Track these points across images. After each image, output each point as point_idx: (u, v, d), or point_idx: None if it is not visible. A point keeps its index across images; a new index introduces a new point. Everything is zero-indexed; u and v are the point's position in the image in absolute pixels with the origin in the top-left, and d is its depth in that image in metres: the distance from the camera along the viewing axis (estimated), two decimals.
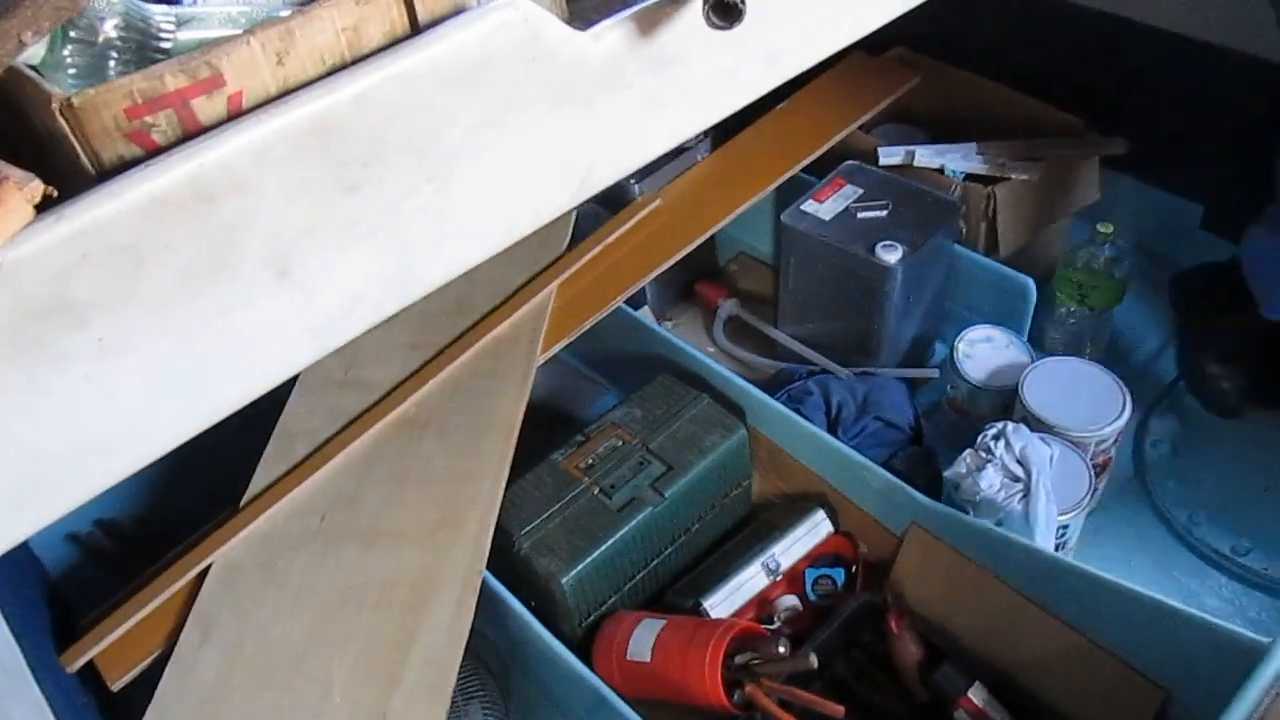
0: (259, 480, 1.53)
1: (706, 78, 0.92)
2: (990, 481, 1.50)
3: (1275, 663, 1.11)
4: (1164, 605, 1.28)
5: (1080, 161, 1.96)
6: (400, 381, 1.65)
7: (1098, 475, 1.64)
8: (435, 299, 1.40)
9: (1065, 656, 1.39)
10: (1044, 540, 1.45)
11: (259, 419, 1.54)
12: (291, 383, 1.68)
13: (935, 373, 1.79)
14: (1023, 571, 1.41)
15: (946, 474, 1.55)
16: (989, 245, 1.91)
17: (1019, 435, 1.53)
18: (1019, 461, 1.50)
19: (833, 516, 1.62)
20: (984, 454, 1.53)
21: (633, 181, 1.88)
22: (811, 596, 1.59)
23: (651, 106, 0.88)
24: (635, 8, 0.84)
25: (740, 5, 0.78)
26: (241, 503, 1.50)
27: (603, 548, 1.47)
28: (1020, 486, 1.48)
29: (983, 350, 1.76)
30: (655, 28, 0.85)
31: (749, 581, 1.56)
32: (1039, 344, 1.96)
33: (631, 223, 1.85)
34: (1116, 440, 1.62)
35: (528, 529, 1.50)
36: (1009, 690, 1.43)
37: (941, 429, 1.83)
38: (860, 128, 2.00)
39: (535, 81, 0.79)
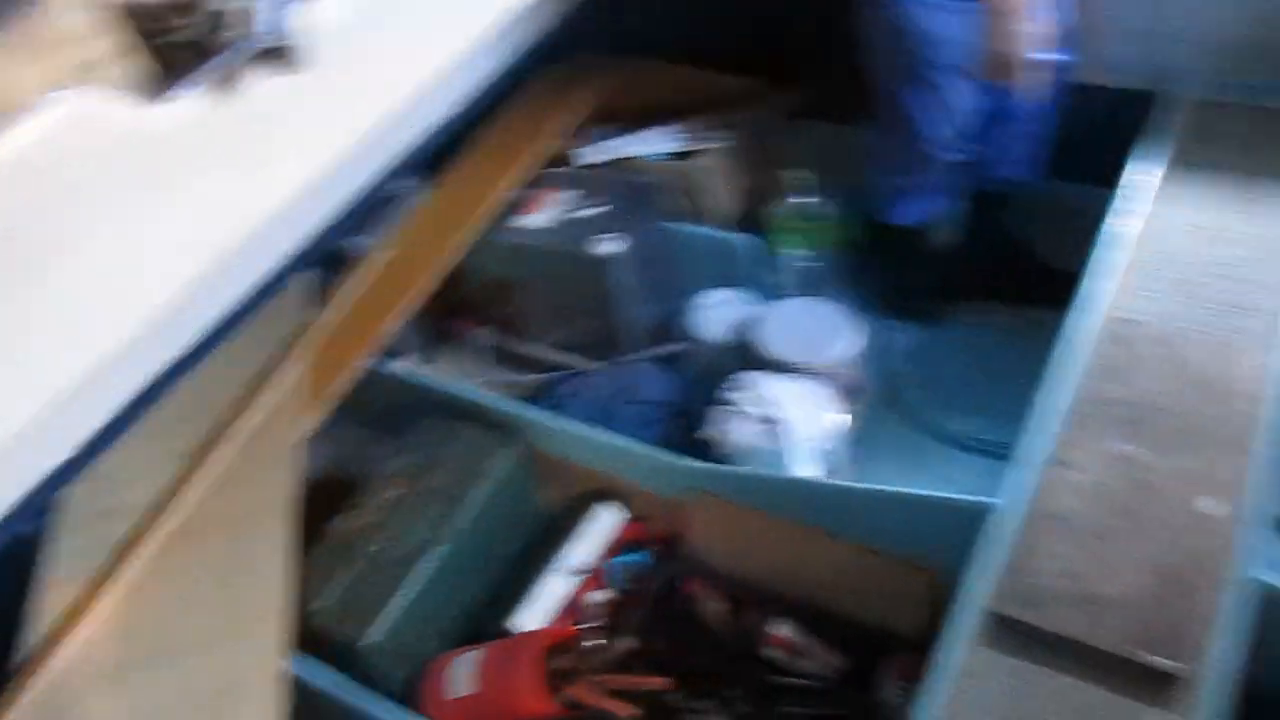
0: (34, 635, 1.47)
1: (299, 127, 0.95)
2: (740, 430, 1.59)
3: (1002, 516, 1.23)
4: (908, 495, 1.40)
5: (768, 119, 2.09)
6: (165, 496, 1.62)
7: (850, 398, 1.77)
8: (184, 399, 1.39)
9: (845, 568, 1.49)
10: (804, 468, 1.56)
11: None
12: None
13: (684, 345, 1.89)
14: (793, 502, 1.51)
15: (699, 434, 1.64)
16: (705, 215, 2.02)
17: (760, 381, 1.63)
18: (765, 404, 1.60)
19: (623, 506, 1.69)
20: (729, 407, 1.62)
21: (357, 238, 1.90)
22: (619, 586, 1.65)
23: (251, 163, 0.91)
24: (208, 70, 0.86)
25: (287, 49, 0.82)
26: (16, 664, 1.44)
27: (399, 602, 1.49)
28: (772, 425, 1.58)
29: (719, 312, 1.86)
30: (235, 88, 0.87)
31: (553, 590, 1.60)
32: (781, 292, 2.09)
33: (363, 280, 1.87)
34: (859, 363, 1.74)
35: (320, 605, 1.50)
36: (810, 615, 1.52)
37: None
38: (569, 136, 2.08)
39: (117, 166, 0.80)
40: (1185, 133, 1.71)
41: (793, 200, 1.95)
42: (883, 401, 1.90)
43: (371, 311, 1.85)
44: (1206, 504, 1.21)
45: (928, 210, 1.85)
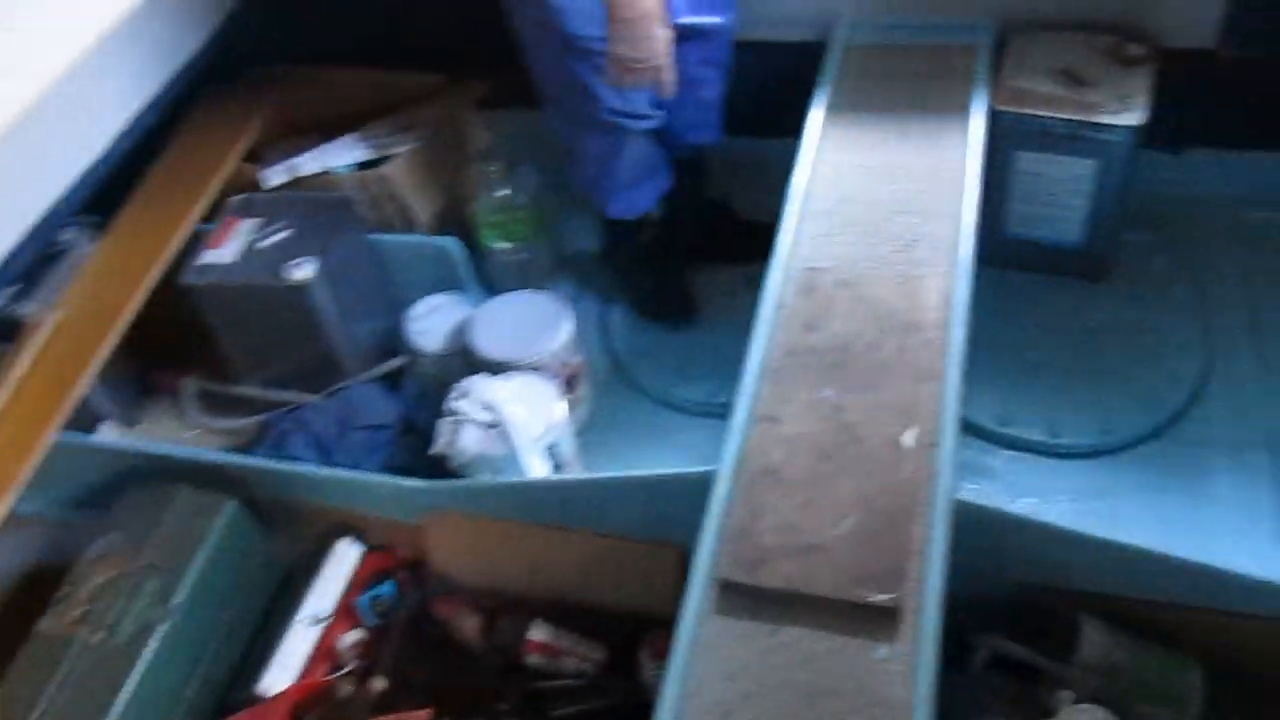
0: None
1: None
2: (468, 439, 1.54)
3: (720, 483, 1.24)
4: (636, 478, 1.39)
5: (458, 113, 2.04)
6: None
7: (574, 385, 1.75)
8: None
9: (593, 560, 1.48)
10: (534, 469, 1.53)
11: None
12: None
13: (402, 360, 1.81)
14: (530, 505, 1.48)
15: (431, 451, 1.58)
16: (407, 222, 1.95)
17: (479, 386, 1.59)
18: (487, 409, 1.56)
19: (363, 538, 1.61)
20: (454, 417, 1.57)
21: (19, 303, 1.72)
22: (371, 621, 1.57)
23: None
24: None
25: None
26: None
27: (126, 696, 1.36)
28: (498, 429, 1.54)
29: (432, 320, 1.80)
30: None
31: (300, 642, 1.51)
32: (499, 289, 2.05)
33: (36, 347, 1.70)
34: (576, 348, 1.72)
35: (35, 718, 1.35)
36: (567, 613, 1.50)
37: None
38: (248, 159, 1.96)
39: None
40: (848, 78, 1.79)
41: (489, 194, 1.91)
42: (615, 379, 1.90)
43: (51, 381, 1.68)
44: (907, 437, 1.26)
45: (650, 195, 1.84)
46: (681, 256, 1.99)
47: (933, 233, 1.51)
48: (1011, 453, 1.67)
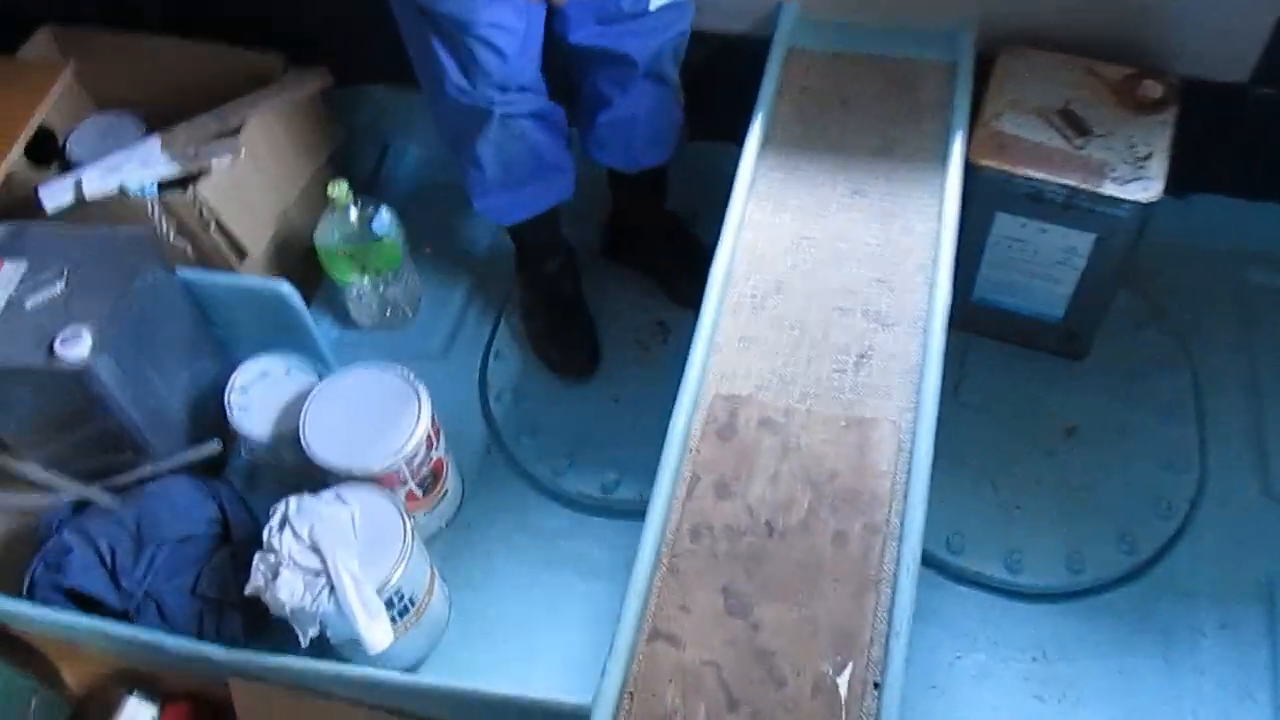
0: None
1: None
2: (290, 588, 1.21)
3: (605, 708, 0.93)
4: (495, 697, 1.07)
5: (301, 107, 1.62)
6: None
7: (436, 481, 1.41)
8: None
9: None
10: (370, 631, 1.20)
11: None
12: None
13: (216, 446, 1.44)
14: (364, 685, 1.15)
15: (246, 591, 1.24)
16: (237, 254, 1.55)
17: (303, 515, 1.24)
18: (314, 549, 1.22)
19: (157, 689, 1.28)
20: (273, 556, 1.23)
21: None
22: None
23: None
24: None
25: None
26: None
27: None
28: (324, 579, 1.21)
29: (260, 392, 1.44)
30: None
31: None
32: (358, 323, 1.68)
33: None
34: (433, 444, 1.37)
35: None
36: None
37: (274, 491, 1.50)
38: (32, 151, 1.53)
39: None
40: (788, 100, 1.42)
41: (333, 221, 1.52)
42: (494, 456, 1.56)
43: None
44: (841, 679, 0.96)
45: (533, 202, 1.48)
46: (580, 304, 1.64)
47: (890, 345, 1.17)
48: (964, 588, 1.38)
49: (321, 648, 1.26)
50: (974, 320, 1.52)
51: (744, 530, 1.04)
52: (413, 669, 1.37)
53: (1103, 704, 1.29)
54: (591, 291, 1.66)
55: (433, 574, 1.34)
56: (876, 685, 0.96)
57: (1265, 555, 1.37)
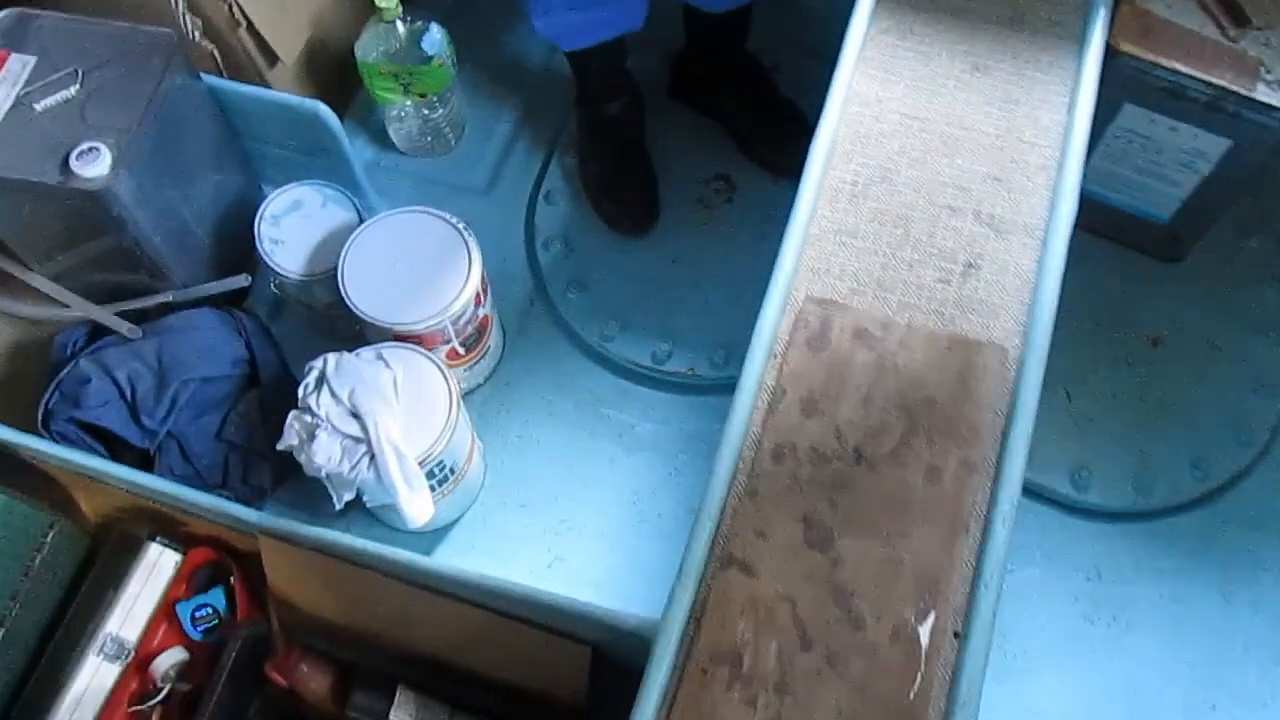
0: None
1: None
2: (326, 452, 1.13)
3: (657, 666, 0.88)
4: (548, 603, 1.02)
5: None
6: None
7: (479, 340, 1.32)
8: None
9: (487, 635, 1.13)
10: (410, 505, 1.14)
11: None
12: None
13: (244, 280, 1.33)
14: (404, 570, 1.10)
15: (280, 446, 1.17)
16: (268, 59, 1.39)
17: (343, 375, 1.15)
18: (354, 414, 1.14)
19: (181, 535, 1.23)
20: (309, 416, 1.15)
21: None
22: (197, 636, 1.23)
23: None
24: None
25: None
26: None
27: None
28: (364, 447, 1.13)
29: (294, 224, 1.32)
30: None
31: (97, 670, 1.17)
32: (397, 146, 1.54)
33: None
34: (481, 301, 1.27)
35: None
36: (443, 672, 1.17)
37: (301, 327, 1.41)
38: None
39: None
40: None
41: (377, 35, 1.36)
42: (538, 310, 1.46)
43: None
44: (923, 627, 0.90)
45: (597, 29, 1.32)
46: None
47: (1002, 256, 1.06)
48: (1025, 499, 1.32)
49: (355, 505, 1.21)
50: None
51: (831, 455, 0.96)
52: (446, 529, 1.33)
53: (1151, 631, 1.26)
54: (653, 136, 1.52)
55: (473, 440, 1.27)
56: (957, 635, 0.90)
57: None
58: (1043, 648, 1.26)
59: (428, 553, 1.31)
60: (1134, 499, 1.31)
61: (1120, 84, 1.20)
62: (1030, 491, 1.32)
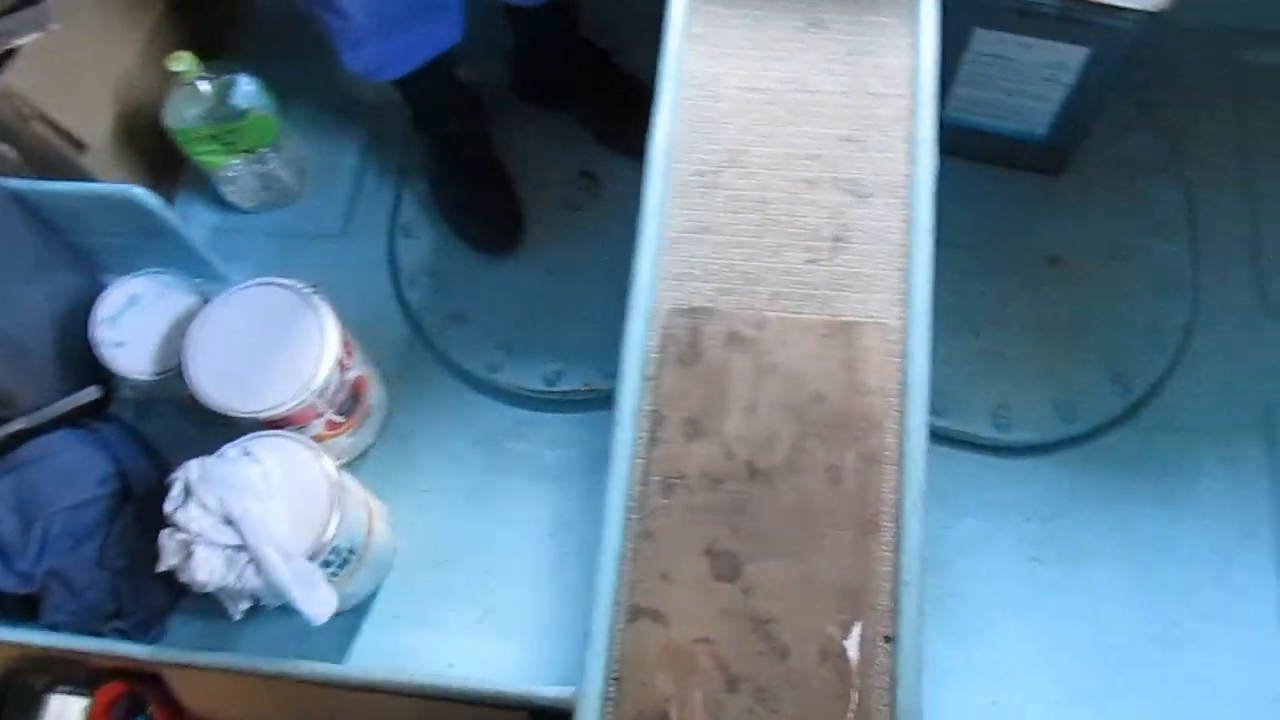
0: None
1: None
2: (207, 568, 1.06)
3: (590, 706, 0.83)
4: (459, 690, 0.96)
5: None
6: None
7: (356, 402, 1.24)
8: None
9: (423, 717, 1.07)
10: (309, 603, 1.06)
11: None
12: None
13: (95, 392, 1.24)
14: (312, 679, 1.03)
15: (159, 569, 1.09)
16: (74, 146, 1.29)
17: (208, 481, 1.07)
18: (228, 522, 1.06)
19: (82, 673, 1.15)
20: (181, 533, 1.07)
21: None
22: None
23: None
24: None
25: None
26: None
27: None
28: (246, 555, 1.06)
29: (133, 322, 1.23)
30: None
31: None
32: (239, 206, 1.45)
33: None
34: (341, 367, 1.19)
35: None
36: None
37: (175, 422, 1.33)
38: None
39: None
40: None
41: (184, 98, 1.26)
42: (419, 351, 1.38)
43: None
44: (850, 640, 0.85)
45: (417, 49, 1.23)
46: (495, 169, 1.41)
47: (869, 222, 0.99)
48: (949, 450, 1.28)
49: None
50: (945, 142, 1.33)
51: (723, 476, 0.90)
52: (367, 602, 1.26)
53: (1102, 559, 1.22)
54: (502, 143, 1.43)
55: (370, 509, 1.20)
56: (888, 639, 0.85)
57: (1263, 377, 1.29)
58: (995, 599, 1.22)
59: (351, 631, 1.25)
60: (1059, 428, 1.27)
61: (967, 10, 1.14)
62: (953, 440, 1.28)
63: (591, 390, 1.31)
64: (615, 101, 1.39)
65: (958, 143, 1.34)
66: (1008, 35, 1.15)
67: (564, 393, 1.32)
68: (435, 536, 1.29)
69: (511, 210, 1.39)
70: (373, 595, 1.26)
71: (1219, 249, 1.33)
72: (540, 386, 1.32)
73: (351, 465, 1.30)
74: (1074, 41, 1.13)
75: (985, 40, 1.17)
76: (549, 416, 1.33)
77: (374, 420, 1.31)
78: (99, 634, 1.15)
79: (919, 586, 0.86)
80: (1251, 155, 1.37)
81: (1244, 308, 1.31)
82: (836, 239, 0.99)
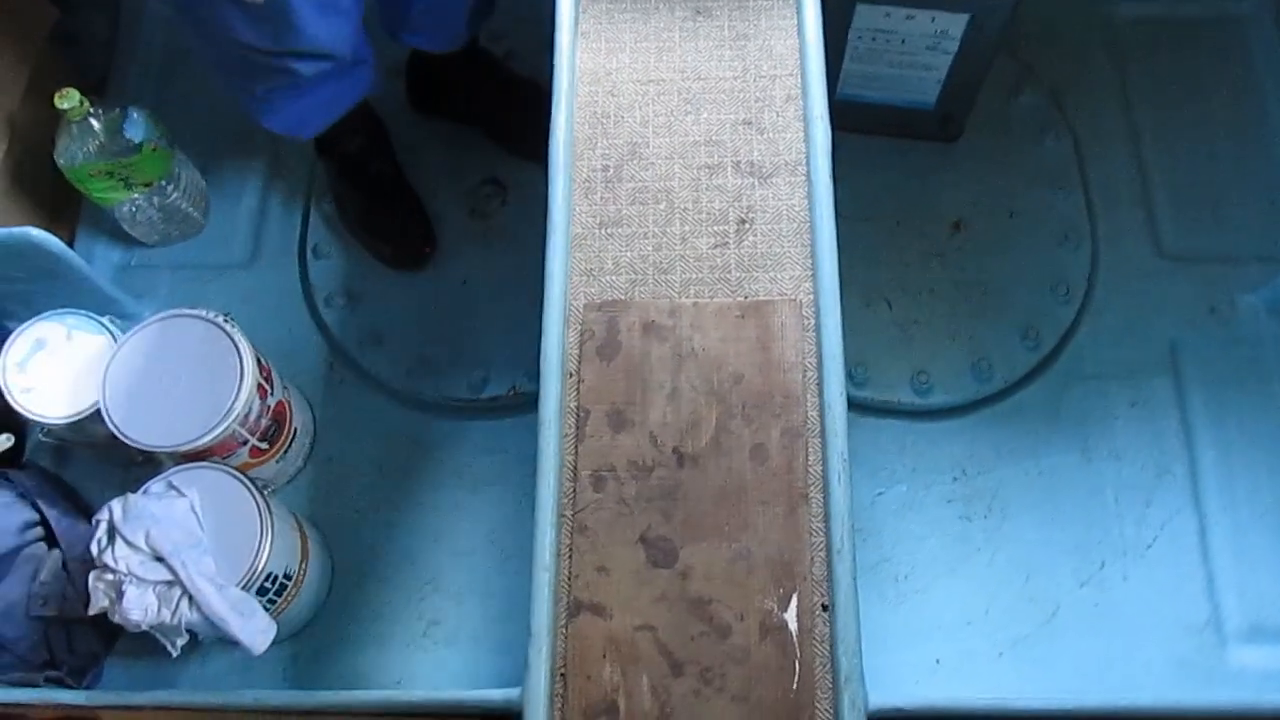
0: None
1: None
2: (140, 606, 1.04)
3: (537, 704, 0.83)
4: (405, 702, 0.95)
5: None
6: None
7: (281, 429, 1.23)
8: None
9: None
10: (246, 633, 1.05)
11: None
12: None
13: (5, 441, 1.21)
14: (257, 708, 1.02)
15: (90, 612, 1.07)
16: None
17: (133, 519, 1.05)
18: (157, 558, 1.04)
19: None
20: (110, 574, 1.05)
21: None
22: None
23: None
24: None
25: None
26: None
27: None
28: (179, 590, 1.04)
29: (42, 366, 1.20)
30: None
31: None
32: (143, 241, 1.42)
33: None
34: (262, 394, 1.18)
35: None
36: None
37: (93, 465, 1.30)
38: None
39: None
40: None
41: (74, 133, 1.23)
42: (342, 372, 1.37)
43: None
44: (789, 612, 0.87)
45: (335, 102, 1.22)
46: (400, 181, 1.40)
47: (773, 200, 1.01)
48: (873, 420, 1.31)
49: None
50: (842, 118, 1.36)
51: (651, 464, 0.91)
52: (312, 624, 1.25)
53: (1028, 510, 1.26)
54: (406, 158, 1.43)
55: (303, 535, 1.19)
56: (826, 608, 0.87)
57: (1165, 319, 1.33)
58: (929, 559, 1.25)
59: (295, 658, 1.24)
60: (976, 388, 1.30)
61: None
62: (877, 410, 1.30)
63: (518, 394, 1.32)
64: (514, 106, 1.39)
65: (854, 118, 1.38)
66: (890, 8, 1.18)
67: (491, 399, 1.32)
68: (373, 555, 1.28)
69: (421, 224, 1.38)
70: (313, 619, 1.25)
71: (1112, 198, 1.38)
72: (466, 395, 1.32)
73: (281, 491, 1.29)
74: (954, 9, 1.16)
75: (868, 15, 1.20)
76: (478, 424, 1.33)
77: (300, 445, 1.29)
78: (34, 685, 1.12)
79: (851, 553, 0.88)
80: (1133, 104, 1.43)
81: (1140, 253, 1.36)
82: (742, 221, 1.01)
